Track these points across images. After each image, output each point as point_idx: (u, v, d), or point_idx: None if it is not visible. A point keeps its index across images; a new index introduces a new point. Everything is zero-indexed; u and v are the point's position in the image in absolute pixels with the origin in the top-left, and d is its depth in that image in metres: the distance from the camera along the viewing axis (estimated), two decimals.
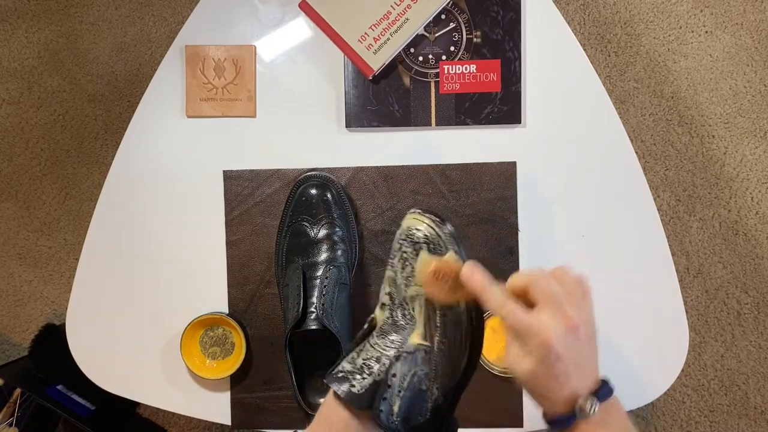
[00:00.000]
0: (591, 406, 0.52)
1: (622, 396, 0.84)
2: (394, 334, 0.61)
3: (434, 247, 0.61)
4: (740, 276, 1.38)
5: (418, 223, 0.62)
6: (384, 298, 0.63)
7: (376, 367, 0.59)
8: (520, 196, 0.84)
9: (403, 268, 0.62)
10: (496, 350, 0.82)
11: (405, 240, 0.62)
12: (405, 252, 0.62)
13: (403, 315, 0.62)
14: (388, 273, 0.64)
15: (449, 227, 0.62)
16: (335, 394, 0.59)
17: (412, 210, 0.62)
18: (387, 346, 0.60)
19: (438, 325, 0.60)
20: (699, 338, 1.38)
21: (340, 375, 0.59)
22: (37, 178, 1.42)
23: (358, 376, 0.59)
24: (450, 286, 0.59)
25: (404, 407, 0.59)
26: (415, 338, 0.60)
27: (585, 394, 0.52)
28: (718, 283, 1.38)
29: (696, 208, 1.38)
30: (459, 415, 0.64)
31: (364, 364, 0.60)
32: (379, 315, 0.63)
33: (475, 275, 0.57)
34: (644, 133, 1.39)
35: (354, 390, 0.58)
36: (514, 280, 0.56)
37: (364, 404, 0.58)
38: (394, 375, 0.58)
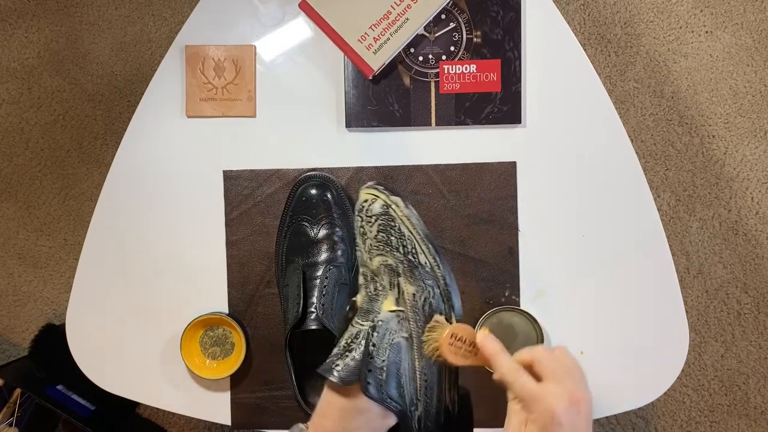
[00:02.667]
0: None
1: (623, 396, 0.84)
2: (370, 307, 0.64)
3: (388, 219, 0.65)
4: (740, 276, 1.38)
5: (371, 197, 0.66)
6: (359, 279, 0.66)
7: (356, 343, 0.62)
8: (520, 196, 0.84)
9: (363, 243, 0.66)
10: None
11: (361, 214, 0.66)
12: (362, 227, 0.65)
13: (375, 288, 0.65)
14: (357, 254, 0.67)
15: (400, 200, 0.66)
16: (327, 382, 0.61)
17: (366, 185, 0.66)
18: (365, 321, 0.63)
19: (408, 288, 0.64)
20: (699, 338, 1.38)
21: (329, 362, 0.62)
22: (37, 178, 1.42)
23: (341, 358, 0.61)
24: (465, 350, 0.64)
25: (391, 376, 0.61)
26: (387, 305, 0.64)
27: None
28: (718, 283, 1.38)
29: (696, 208, 1.38)
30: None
31: (345, 344, 0.63)
32: (359, 298, 0.66)
33: (489, 342, 0.62)
34: (644, 133, 1.39)
35: (337, 370, 0.60)
36: (521, 354, 0.61)
37: (350, 381, 0.60)
38: (373, 345, 0.61)
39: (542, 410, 0.55)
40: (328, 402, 0.63)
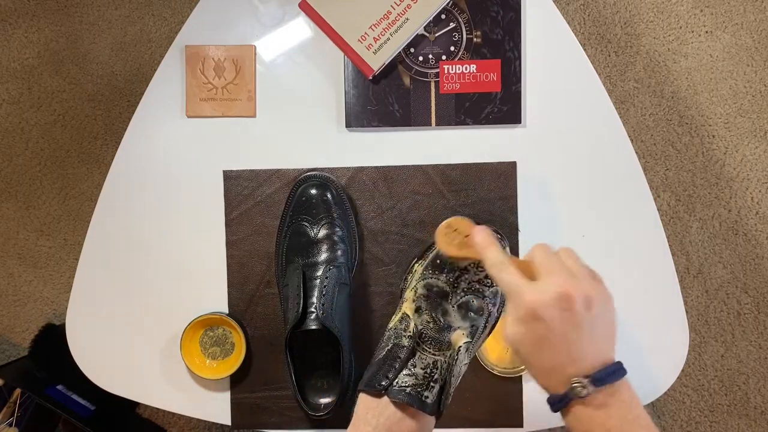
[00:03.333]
0: (584, 388, 0.51)
1: None
2: (441, 337, 0.65)
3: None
4: (740, 276, 1.38)
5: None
6: (419, 302, 0.67)
7: (435, 373, 0.63)
8: (520, 196, 0.84)
9: (454, 279, 0.66)
10: (496, 351, 0.82)
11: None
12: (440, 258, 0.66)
13: (444, 317, 0.65)
14: (428, 277, 0.67)
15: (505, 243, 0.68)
16: (401, 405, 0.62)
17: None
18: (437, 351, 0.65)
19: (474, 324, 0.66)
20: (699, 338, 1.38)
21: (408, 390, 0.62)
22: (37, 178, 1.42)
23: (427, 388, 0.63)
24: (459, 241, 0.63)
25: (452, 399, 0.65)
26: (458, 339, 0.64)
27: (580, 375, 0.51)
28: (718, 283, 1.38)
29: (696, 208, 1.38)
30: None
31: (425, 374, 0.64)
32: (417, 320, 0.66)
33: (482, 233, 0.59)
34: (644, 133, 1.39)
35: (428, 401, 0.62)
36: (524, 256, 0.57)
37: (436, 412, 0.63)
38: (455, 377, 0.64)
39: (520, 304, 0.51)
40: (397, 425, 0.62)
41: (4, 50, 1.43)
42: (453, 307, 0.66)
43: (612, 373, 0.52)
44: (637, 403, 0.53)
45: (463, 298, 0.66)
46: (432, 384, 0.63)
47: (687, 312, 0.85)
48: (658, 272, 0.84)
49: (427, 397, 0.62)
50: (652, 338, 0.84)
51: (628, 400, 0.52)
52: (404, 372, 0.64)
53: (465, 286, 0.66)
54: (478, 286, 0.66)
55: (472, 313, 0.66)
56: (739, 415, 1.38)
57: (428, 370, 0.64)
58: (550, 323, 0.50)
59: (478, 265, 0.66)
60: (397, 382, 0.63)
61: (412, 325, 0.66)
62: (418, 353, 0.65)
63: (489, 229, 0.61)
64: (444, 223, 0.64)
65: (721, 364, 1.38)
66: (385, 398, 0.62)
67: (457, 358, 0.63)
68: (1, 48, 1.43)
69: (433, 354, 0.65)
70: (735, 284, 1.38)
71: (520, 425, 0.84)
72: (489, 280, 0.66)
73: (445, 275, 0.67)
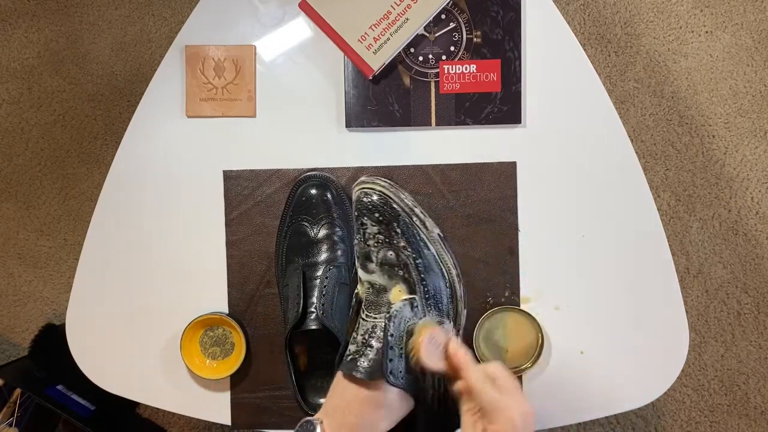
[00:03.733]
0: None
1: (623, 396, 0.84)
2: (379, 299, 0.68)
3: (389, 211, 0.70)
4: (740, 276, 1.38)
5: (369, 189, 0.70)
6: (360, 272, 0.70)
7: (374, 338, 0.66)
8: (520, 196, 0.84)
9: (363, 236, 0.70)
10: (496, 351, 0.83)
11: (360, 207, 0.70)
12: (362, 221, 0.69)
13: (380, 280, 0.69)
14: (356, 248, 0.71)
15: (405, 193, 0.72)
16: (349, 376, 0.65)
17: (362, 178, 0.71)
18: (378, 314, 0.67)
19: (415, 275, 0.68)
20: (699, 338, 1.38)
21: (350, 358, 0.65)
22: (37, 178, 1.42)
23: (363, 354, 0.65)
24: (440, 353, 0.67)
25: (406, 362, 0.65)
26: (397, 295, 0.68)
27: None
28: (718, 283, 1.38)
29: (696, 208, 1.38)
30: (458, 415, 0.66)
31: (363, 339, 0.66)
32: (361, 289, 0.70)
33: (461, 352, 0.66)
34: (644, 133, 1.39)
35: (363, 367, 0.64)
36: (481, 368, 0.65)
37: (376, 375, 0.64)
38: (391, 335, 0.65)
39: (505, 419, 0.60)
40: (352, 396, 0.65)
41: (4, 50, 1.43)
42: (377, 266, 0.69)
43: None
44: None
45: (380, 255, 0.69)
46: (367, 349, 0.65)
47: (687, 312, 0.85)
48: (658, 272, 0.84)
49: (361, 362, 0.64)
50: (653, 338, 0.84)
51: None
52: (350, 342, 0.67)
53: (375, 243, 0.69)
54: (383, 238, 0.69)
55: (395, 268, 0.68)
56: (739, 415, 1.38)
57: (366, 336, 0.66)
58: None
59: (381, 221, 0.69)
60: (344, 353, 0.66)
61: (359, 293, 0.70)
62: (360, 320, 0.68)
63: (463, 345, 0.67)
64: (425, 335, 0.66)
65: (721, 364, 1.38)
66: (339, 373, 0.66)
67: (397, 315, 0.65)
68: (1, 48, 1.43)
69: (373, 318, 0.67)
70: (735, 284, 1.38)
71: None
72: (396, 232, 0.69)
73: (363, 240, 0.70)
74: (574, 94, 0.84)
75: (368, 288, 0.69)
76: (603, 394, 0.84)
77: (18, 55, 1.43)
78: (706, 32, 1.39)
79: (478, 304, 0.84)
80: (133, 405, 1.39)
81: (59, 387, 1.21)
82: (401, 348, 0.65)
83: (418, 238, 0.70)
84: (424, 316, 0.68)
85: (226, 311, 0.85)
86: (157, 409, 1.28)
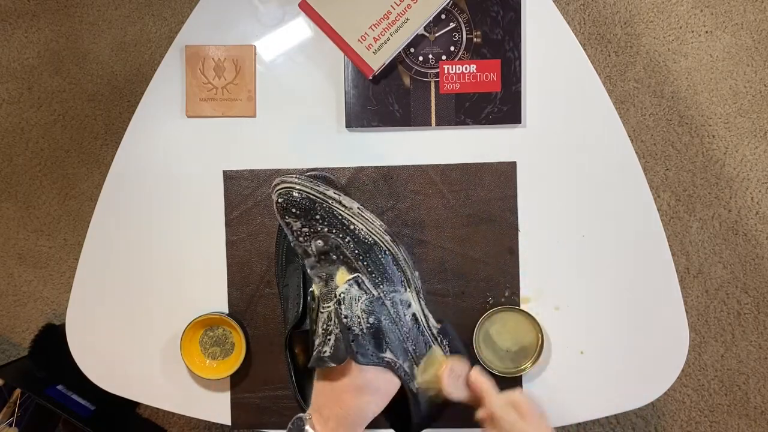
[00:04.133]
0: None
1: (623, 396, 0.84)
2: (329, 289, 0.69)
3: (309, 202, 0.70)
4: (740, 276, 1.38)
5: (282, 190, 0.70)
6: (307, 271, 0.72)
7: (332, 325, 0.67)
8: (520, 196, 0.84)
9: (294, 236, 0.71)
10: (496, 351, 0.83)
11: (281, 211, 0.70)
12: (288, 222, 0.70)
13: (324, 271, 0.70)
14: (298, 250, 0.72)
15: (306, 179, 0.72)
16: (320, 369, 0.67)
17: (273, 183, 0.71)
18: (330, 302, 0.68)
19: (350, 254, 0.69)
20: (699, 338, 1.38)
21: (316, 354, 0.67)
22: (37, 178, 1.42)
23: (326, 343, 0.66)
24: (461, 384, 0.70)
25: (374, 336, 0.66)
26: (341, 278, 0.69)
27: None
28: (718, 283, 1.38)
29: (696, 208, 1.38)
30: (457, 415, 0.66)
31: (323, 330, 0.68)
32: (315, 287, 0.71)
33: (481, 379, 0.68)
34: (644, 133, 1.39)
35: (327, 356, 0.65)
36: (503, 396, 0.68)
37: (342, 358, 0.64)
38: (345, 317, 0.66)
39: None
40: (331, 389, 0.66)
41: (4, 50, 1.43)
42: (315, 259, 0.70)
43: None
44: None
45: (312, 248, 0.70)
46: (328, 337, 0.66)
47: (687, 312, 0.85)
48: (658, 272, 0.84)
49: (325, 351, 0.66)
50: (652, 338, 0.84)
51: None
52: (315, 338, 0.69)
53: (304, 237, 0.70)
54: (307, 230, 0.70)
55: (329, 254, 0.69)
56: (739, 415, 1.38)
57: (324, 325, 0.68)
58: None
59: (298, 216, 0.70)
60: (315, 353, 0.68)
61: (313, 292, 0.72)
62: (318, 314, 0.69)
63: (482, 373, 0.69)
64: (446, 368, 0.69)
65: (721, 364, 1.38)
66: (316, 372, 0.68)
67: (345, 297, 0.67)
68: (1, 48, 1.43)
69: (327, 308, 0.68)
70: (735, 284, 1.38)
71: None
72: (315, 219, 0.70)
73: (294, 239, 0.71)
74: (574, 94, 0.84)
75: (318, 282, 0.70)
76: (603, 394, 0.84)
77: (18, 55, 1.43)
78: (706, 32, 1.39)
79: (478, 304, 0.84)
80: (133, 405, 1.39)
81: (59, 387, 1.21)
82: (362, 327, 0.66)
83: (339, 218, 0.70)
84: (376, 291, 0.69)
85: (226, 311, 0.85)
86: (157, 409, 1.29)
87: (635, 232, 0.84)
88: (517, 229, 0.84)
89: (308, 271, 0.72)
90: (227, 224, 0.85)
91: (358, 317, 0.66)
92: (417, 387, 0.68)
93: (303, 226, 0.70)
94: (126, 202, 0.86)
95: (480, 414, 0.66)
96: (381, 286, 0.69)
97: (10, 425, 1.17)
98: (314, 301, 0.71)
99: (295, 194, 0.69)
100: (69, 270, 1.42)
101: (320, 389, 0.68)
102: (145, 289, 0.86)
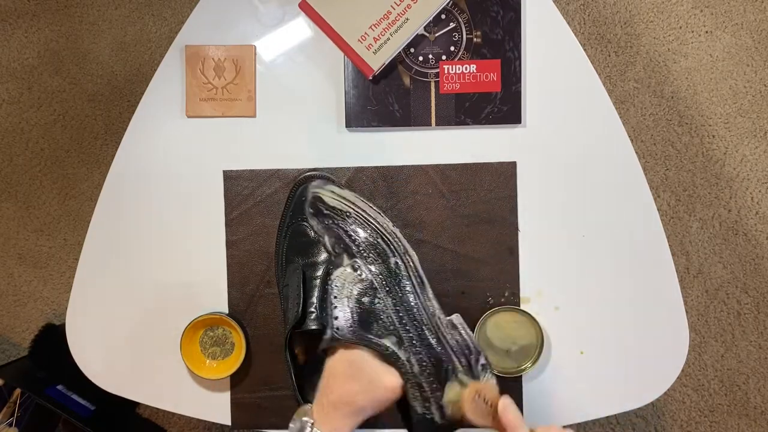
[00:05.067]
0: None
1: (623, 396, 0.84)
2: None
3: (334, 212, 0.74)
4: (740, 276, 1.38)
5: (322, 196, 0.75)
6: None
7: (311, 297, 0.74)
8: (520, 196, 0.84)
9: (325, 245, 0.75)
10: (496, 351, 0.83)
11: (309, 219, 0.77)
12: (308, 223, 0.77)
13: (340, 261, 0.74)
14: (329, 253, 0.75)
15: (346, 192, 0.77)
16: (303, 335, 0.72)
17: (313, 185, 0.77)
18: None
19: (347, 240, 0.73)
20: (699, 338, 1.38)
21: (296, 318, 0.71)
22: (37, 178, 1.42)
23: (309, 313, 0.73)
24: (486, 411, 0.65)
25: (365, 319, 0.69)
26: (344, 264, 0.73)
27: None
28: (718, 283, 1.38)
29: (696, 208, 1.38)
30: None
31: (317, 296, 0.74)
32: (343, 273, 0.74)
33: (511, 412, 0.63)
34: (644, 133, 1.39)
35: (312, 327, 0.71)
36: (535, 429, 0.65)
37: (320, 327, 0.70)
38: (335, 296, 0.72)
39: None
40: (327, 374, 0.69)
41: (4, 50, 1.43)
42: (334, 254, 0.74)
43: None
44: None
45: (328, 246, 0.74)
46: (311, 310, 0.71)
47: (687, 312, 0.85)
48: (658, 272, 0.84)
49: (308, 325, 0.71)
50: (652, 338, 0.84)
51: None
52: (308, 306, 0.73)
53: (324, 238, 0.75)
54: (321, 228, 0.76)
55: (335, 248, 0.74)
56: (739, 415, 1.38)
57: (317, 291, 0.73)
58: None
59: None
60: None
61: None
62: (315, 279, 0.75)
63: (513, 404, 0.64)
64: (471, 390, 0.65)
65: (721, 364, 1.38)
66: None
67: (338, 275, 0.72)
68: (1, 48, 1.43)
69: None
70: (735, 284, 1.38)
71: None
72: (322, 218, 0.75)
73: (324, 246, 0.76)
74: (574, 94, 0.84)
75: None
76: (603, 394, 0.84)
77: (18, 55, 1.43)
78: (706, 32, 1.39)
79: (478, 304, 0.84)
80: (133, 405, 1.39)
81: (59, 387, 1.21)
82: (351, 304, 0.69)
83: (340, 213, 0.75)
84: (370, 272, 0.72)
85: (226, 311, 0.85)
86: (157, 409, 1.29)
87: (635, 232, 0.84)
88: (517, 229, 0.84)
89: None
90: (227, 224, 0.85)
91: (348, 298, 0.70)
92: (430, 395, 0.66)
93: (317, 226, 0.76)
94: (126, 202, 0.86)
95: None
96: (375, 264, 0.72)
97: (10, 425, 1.17)
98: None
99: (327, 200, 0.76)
100: (69, 270, 1.42)
101: (323, 374, 0.70)
102: (144, 289, 0.86)
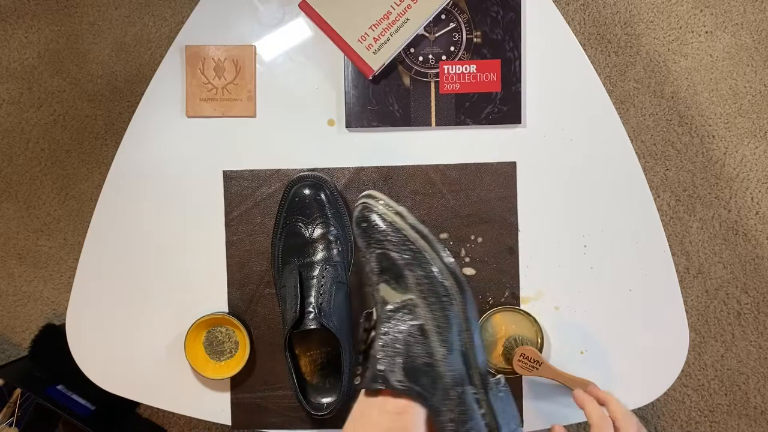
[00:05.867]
0: None
1: (623, 396, 0.84)
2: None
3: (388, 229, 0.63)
4: (740, 276, 1.38)
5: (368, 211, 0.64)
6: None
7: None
8: (520, 196, 0.84)
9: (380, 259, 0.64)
10: (497, 351, 0.83)
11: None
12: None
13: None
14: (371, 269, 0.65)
15: (402, 209, 0.64)
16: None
17: (360, 198, 0.65)
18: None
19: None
20: (699, 338, 1.38)
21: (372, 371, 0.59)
22: (37, 178, 1.42)
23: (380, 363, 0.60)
24: (529, 365, 0.78)
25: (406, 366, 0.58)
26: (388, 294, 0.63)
27: None
28: (718, 283, 1.38)
29: (696, 208, 1.38)
30: None
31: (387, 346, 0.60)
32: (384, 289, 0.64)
33: (581, 394, 0.71)
34: (644, 133, 1.39)
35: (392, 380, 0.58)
36: (599, 393, 0.72)
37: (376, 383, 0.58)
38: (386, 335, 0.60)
39: None
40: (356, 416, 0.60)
41: (4, 50, 1.43)
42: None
43: None
44: None
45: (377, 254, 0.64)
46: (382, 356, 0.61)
47: (687, 312, 0.85)
48: (658, 272, 0.84)
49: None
50: (652, 338, 0.84)
51: None
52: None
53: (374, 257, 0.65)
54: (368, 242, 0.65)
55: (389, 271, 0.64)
56: (739, 415, 1.38)
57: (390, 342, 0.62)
58: None
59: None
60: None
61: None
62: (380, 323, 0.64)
63: (583, 392, 0.72)
64: (517, 353, 0.78)
65: (721, 364, 1.38)
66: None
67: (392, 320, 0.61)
68: (1, 48, 1.43)
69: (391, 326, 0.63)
70: (735, 284, 1.38)
71: (520, 425, 0.84)
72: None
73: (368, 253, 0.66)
74: (574, 94, 0.84)
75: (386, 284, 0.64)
76: None
77: (18, 55, 1.43)
78: (706, 32, 1.39)
79: (478, 304, 0.84)
80: (133, 405, 1.39)
81: (59, 387, 1.21)
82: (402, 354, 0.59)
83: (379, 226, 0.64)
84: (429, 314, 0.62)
85: (226, 311, 0.85)
86: (157, 409, 1.29)
87: (635, 233, 0.84)
88: (517, 229, 0.84)
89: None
90: (227, 224, 0.85)
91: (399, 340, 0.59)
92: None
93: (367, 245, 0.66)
94: (126, 202, 0.86)
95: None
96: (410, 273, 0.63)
97: (10, 425, 1.17)
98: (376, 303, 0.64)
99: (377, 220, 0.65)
100: (69, 270, 1.42)
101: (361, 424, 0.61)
102: (144, 289, 0.86)
